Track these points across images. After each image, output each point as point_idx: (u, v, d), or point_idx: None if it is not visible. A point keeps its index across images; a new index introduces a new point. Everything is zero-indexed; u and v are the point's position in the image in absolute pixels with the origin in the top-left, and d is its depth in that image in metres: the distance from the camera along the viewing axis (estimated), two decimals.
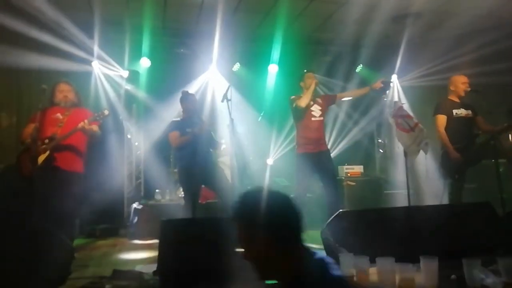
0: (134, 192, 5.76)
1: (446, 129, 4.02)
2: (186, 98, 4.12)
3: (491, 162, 3.83)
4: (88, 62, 5.73)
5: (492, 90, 4.14)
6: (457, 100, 4.14)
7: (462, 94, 4.11)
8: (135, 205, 5.17)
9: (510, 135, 4.18)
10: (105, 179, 5.15)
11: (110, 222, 5.25)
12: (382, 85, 4.18)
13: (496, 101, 3.99)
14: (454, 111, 4.06)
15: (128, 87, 5.83)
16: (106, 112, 3.45)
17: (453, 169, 3.95)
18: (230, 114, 3.48)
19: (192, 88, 6.19)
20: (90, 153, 3.68)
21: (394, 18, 5.71)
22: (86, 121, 3.36)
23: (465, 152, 3.91)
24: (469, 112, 4.09)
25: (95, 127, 3.51)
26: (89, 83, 5.77)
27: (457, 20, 5.63)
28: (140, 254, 3.90)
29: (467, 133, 4.05)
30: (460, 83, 4.12)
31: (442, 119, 4.05)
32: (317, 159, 4.03)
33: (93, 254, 4.00)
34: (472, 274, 1.81)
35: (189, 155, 3.76)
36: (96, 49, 5.62)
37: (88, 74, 5.80)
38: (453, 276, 1.95)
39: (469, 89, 4.07)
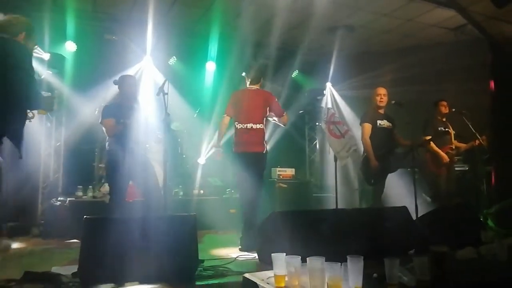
0: (51, 187, 5.25)
1: (370, 137, 4.30)
2: (124, 80, 3.75)
3: (407, 170, 4.21)
4: None
5: (412, 103, 4.52)
6: (381, 111, 4.45)
7: (384, 105, 4.41)
8: (51, 201, 4.73)
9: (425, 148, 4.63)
10: (17, 172, 4.60)
11: (21, 220, 4.74)
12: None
13: (415, 113, 4.35)
14: (378, 122, 4.36)
15: (50, 72, 5.28)
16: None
17: (371, 174, 4.25)
18: (166, 108, 3.30)
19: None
20: None
21: (328, 29, 6.01)
22: None
23: (384, 160, 4.23)
24: (390, 124, 4.43)
25: None
26: None
27: (385, 37, 6.13)
28: (56, 255, 3.55)
29: (387, 142, 4.36)
30: (382, 94, 4.41)
31: (368, 128, 4.33)
32: (251, 160, 3.82)
33: None
34: (391, 272, 1.96)
35: (121, 148, 3.49)
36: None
37: None
38: (375, 275, 2.09)
39: (392, 101, 4.37)
